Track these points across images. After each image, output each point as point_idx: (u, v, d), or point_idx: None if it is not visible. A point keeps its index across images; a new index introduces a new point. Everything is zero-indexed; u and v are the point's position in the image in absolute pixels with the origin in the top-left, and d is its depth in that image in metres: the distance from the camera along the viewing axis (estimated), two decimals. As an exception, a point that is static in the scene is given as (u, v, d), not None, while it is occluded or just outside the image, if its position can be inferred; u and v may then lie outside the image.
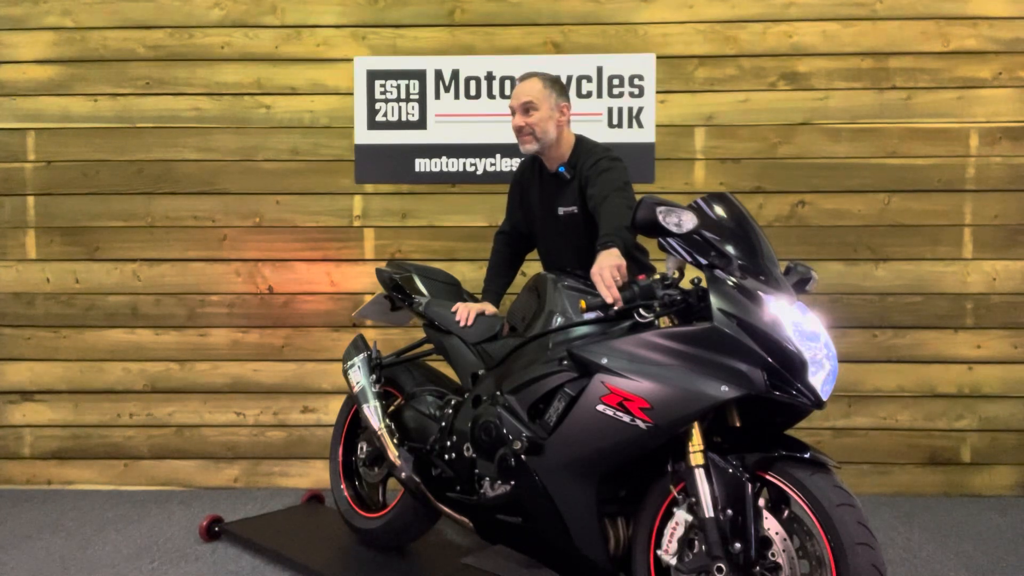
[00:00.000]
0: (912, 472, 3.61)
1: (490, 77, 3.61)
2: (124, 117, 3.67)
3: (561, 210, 2.61)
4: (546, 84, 2.57)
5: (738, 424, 1.92)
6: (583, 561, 2.01)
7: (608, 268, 2.04)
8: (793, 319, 1.80)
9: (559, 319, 2.18)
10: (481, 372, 2.46)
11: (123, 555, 2.88)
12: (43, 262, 3.70)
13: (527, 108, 2.53)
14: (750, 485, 1.78)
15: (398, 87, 3.63)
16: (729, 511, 1.77)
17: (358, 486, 2.95)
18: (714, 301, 1.83)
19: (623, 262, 2.11)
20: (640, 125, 3.59)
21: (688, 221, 1.88)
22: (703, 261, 1.91)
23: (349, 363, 2.78)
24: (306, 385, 3.69)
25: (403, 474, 2.49)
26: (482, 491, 2.23)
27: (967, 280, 3.58)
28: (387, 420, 2.62)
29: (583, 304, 1.99)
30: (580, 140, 2.65)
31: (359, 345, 2.83)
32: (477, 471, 2.25)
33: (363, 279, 3.66)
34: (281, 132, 3.66)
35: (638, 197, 1.96)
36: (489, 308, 2.69)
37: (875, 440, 3.61)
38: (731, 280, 1.85)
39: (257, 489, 3.67)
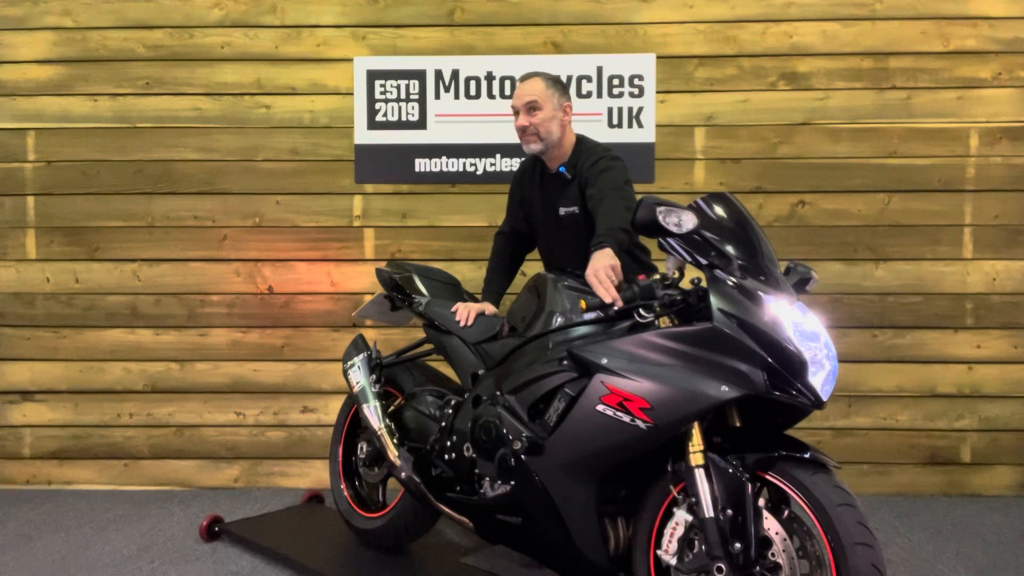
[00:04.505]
0: (912, 472, 3.61)
1: (490, 77, 3.61)
2: (124, 117, 3.67)
3: (562, 210, 2.61)
4: (549, 84, 2.57)
5: (738, 424, 1.92)
6: (583, 561, 2.01)
7: (603, 268, 2.05)
8: (793, 319, 1.80)
9: (559, 319, 2.18)
10: (481, 372, 2.46)
11: (123, 555, 2.88)
12: (43, 262, 3.70)
13: (531, 108, 2.53)
14: (750, 485, 1.78)
15: (398, 87, 3.63)
16: (729, 511, 1.77)
17: (358, 486, 2.95)
18: (714, 301, 1.83)
19: (617, 261, 2.13)
20: (640, 125, 3.59)
21: (688, 221, 1.88)
22: (703, 261, 1.91)
23: (349, 363, 2.78)
24: (306, 385, 3.69)
25: (403, 474, 2.49)
26: (482, 491, 2.23)
27: (967, 280, 3.58)
28: (387, 420, 2.62)
29: (583, 304, 2.00)
30: (581, 140, 2.65)
31: (359, 345, 2.83)
32: (477, 471, 2.25)
33: (363, 279, 3.66)
34: (281, 132, 3.66)
35: (638, 197, 1.96)
36: (489, 308, 2.69)
37: (875, 440, 3.61)
38: (731, 280, 1.85)
39: (257, 489, 3.67)
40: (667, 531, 1.88)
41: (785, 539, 1.75)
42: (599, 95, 3.59)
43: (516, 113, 2.57)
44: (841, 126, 3.59)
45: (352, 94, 3.64)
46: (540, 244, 2.82)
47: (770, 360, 1.76)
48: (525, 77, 2.60)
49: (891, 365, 3.60)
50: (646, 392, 1.84)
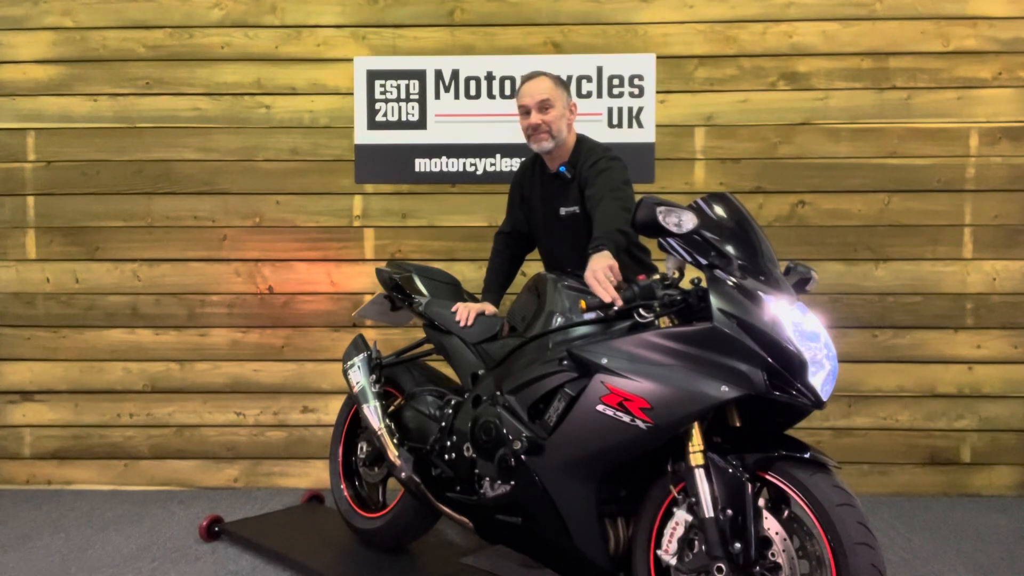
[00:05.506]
0: (912, 472, 3.61)
1: (490, 77, 3.61)
2: (124, 117, 3.67)
3: (563, 210, 2.61)
4: (557, 83, 2.58)
5: (738, 424, 1.92)
6: (583, 561, 2.01)
7: (601, 269, 2.06)
8: (793, 319, 1.80)
9: (559, 319, 2.18)
10: (481, 372, 2.46)
11: (123, 555, 2.88)
12: (43, 262, 3.70)
13: (544, 106, 2.53)
14: (750, 485, 1.78)
15: (398, 87, 3.63)
16: (729, 511, 1.77)
17: (358, 486, 2.95)
18: (714, 301, 1.83)
19: (615, 262, 2.13)
20: (640, 125, 3.59)
21: (688, 221, 1.89)
22: (703, 261, 1.91)
23: (349, 363, 2.78)
24: (306, 385, 3.69)
25: (403, 474, 2.49)
26: (482, 491, 2.22)
27: (967, 280, 3.58)
28: (387, 420, 2.62)
29: (583, 304, 2.00)
30: (581, 140, 2.66)
31: (359, 345, 2.83)
32: (477, 471, 2.25)
33: (363, 279, 3.66)
34: (281, 132, 3.66)
35: (638, 197, 1.97)
36: (489, 308, 2.69)
37: (875, 440, 3.61)
38: (731, 280, 1.85)
39: (257, 489, 3.67)
40: (667, 531, 1.88)
41: (785, 539, 1.75)
42: (599, 95, 3.59)
43: (526, 112, 2.56)
44: (841, 126, 3.59)
45: (352, 94, 3.64)
46: (540, 244, 2.82)
47: (770, 360, 1.76)
48: (531, 76, 2.60)
49: (891, 365, 3.60)
50: (646, 392, 1.84)
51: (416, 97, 3.63)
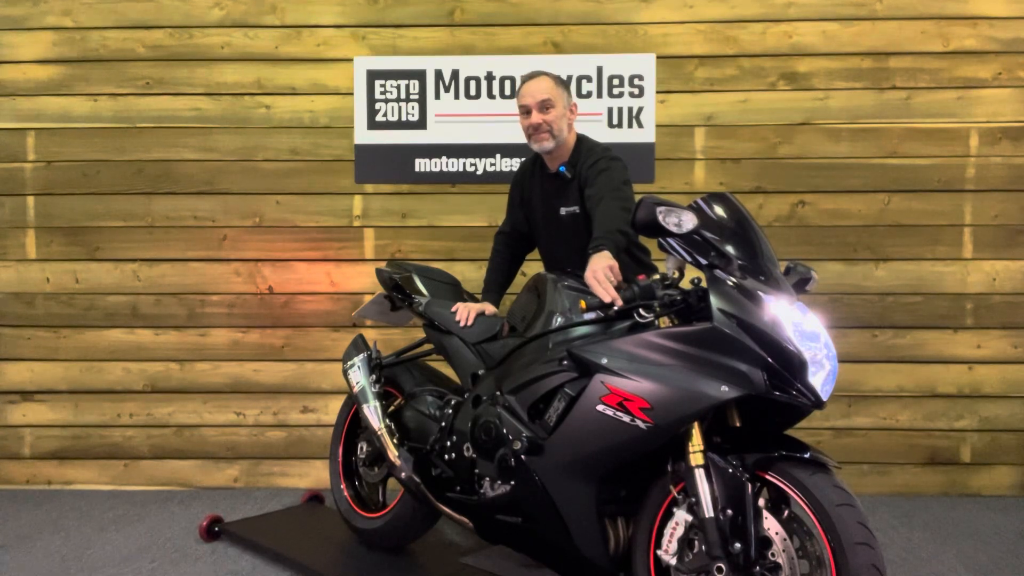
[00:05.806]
0: (912, 472, 3.61)
1: (490, 77, 3.61)
2: (124, 117, 3.67)
3: (563, 210, 2.61)
4: (557, 83, 2.59)
5: (738, 424, 1.92)
6: (583, 561, 2.01)
7: (601, 269, 2.06)
8: (793, 319, 1.80)
9: (559, 319, 2.18)
10: (481, 372, 2.47)
11: (123, 555, 2.88)
12: (43, 262, 3.70)
13: (545, 106, 2.53)
14: (750, 485, 1.78)
15: (398, 87, 3.63)
16: (729, 511, 1.77)
17: (358, 486, 2.96)
18: (714, 301, 1.83)
19: (615, 263, 2.13)
20: (640, 125, 3.59)
21: (688, 221, 1.89)
22: (703, 261, 1.91)
23: (349, 363, 2.78)
24: (306, 385, 3.69)
25: (403, 474, 2.49)
26: (482, 491, 2.23)
27: (967, 280, 3.58)
28: (387, 420, 2.62)
29: (583, 304, 2.00)
30: (581, 140, 2.66)
31: (359, 345, 2.83)
32: (477, 471, 2.25)
33: (363, 279, 3.66)
34: (281, 132, 3.66)
35: (638, 197, 1.97)
36: (489, 308, 2.69)
37: (875, 440, 3.61)
38: (731, 280, 1.85)
39: (257, 489, 3.67)
40: (667, 531, 1.88)
41: (785, 539, 1.75)
42: (599, 95, 3.59)
43: (527, 112, 2.56)
44: (841, 126, 3.59)
45: (352, 94, 3.64)
46: (540, 244, 2.82)
47: (770, 360, 1.76)
48: (531, 76, 2.60)
49: (891, 365, 3.60)
50: (646, 392, 1.84)
51: (416, 97, 3.63)
